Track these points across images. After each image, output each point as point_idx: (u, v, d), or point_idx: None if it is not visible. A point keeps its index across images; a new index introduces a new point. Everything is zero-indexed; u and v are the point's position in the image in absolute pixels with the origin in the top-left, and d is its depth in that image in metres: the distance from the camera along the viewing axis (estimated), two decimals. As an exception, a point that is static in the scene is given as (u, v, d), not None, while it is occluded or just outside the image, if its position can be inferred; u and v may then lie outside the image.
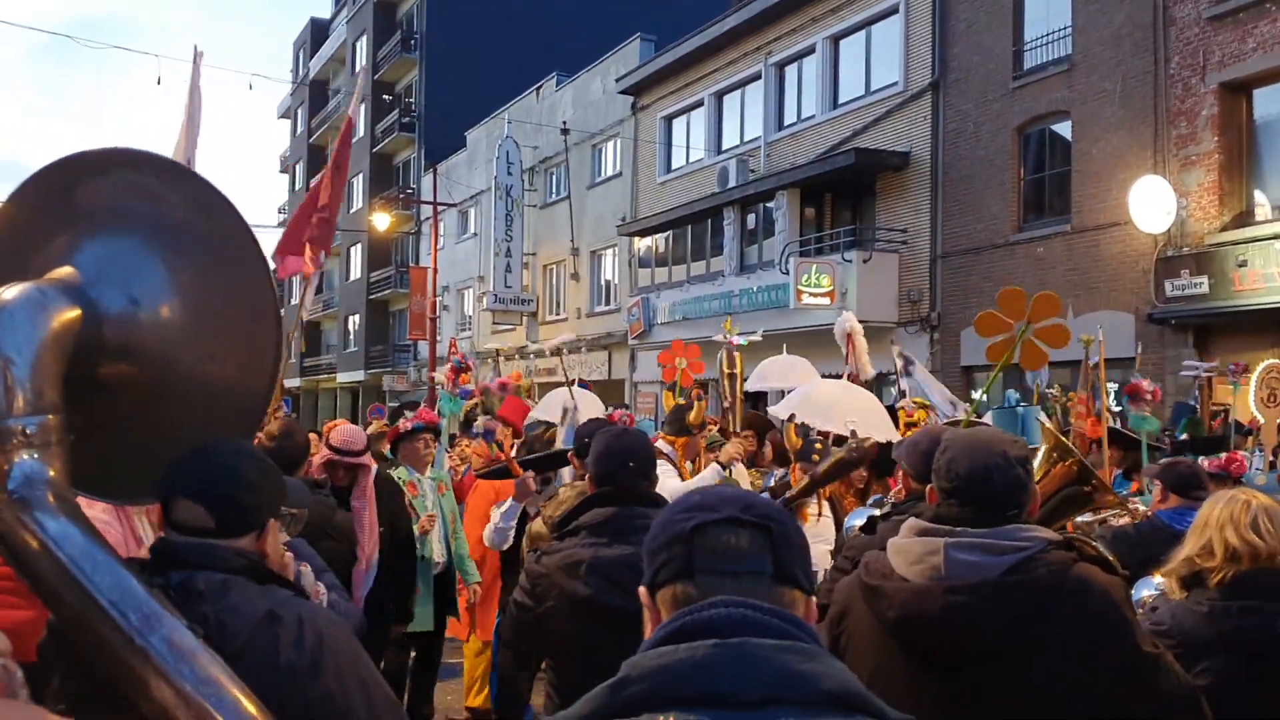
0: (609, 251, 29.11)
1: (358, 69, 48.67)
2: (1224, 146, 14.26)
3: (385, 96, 45.27)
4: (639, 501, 3.13)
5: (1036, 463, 3.22)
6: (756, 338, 9.60)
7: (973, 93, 18.17)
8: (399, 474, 6.29)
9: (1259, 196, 14.23)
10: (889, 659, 2.39)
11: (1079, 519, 5.06)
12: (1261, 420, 8.91)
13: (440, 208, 32.61)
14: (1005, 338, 5.40)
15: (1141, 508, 5.81)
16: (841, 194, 20.86)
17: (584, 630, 2.94)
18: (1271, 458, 8.01)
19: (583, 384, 10.55)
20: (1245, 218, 14.16)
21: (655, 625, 1.26)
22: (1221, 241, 14.08)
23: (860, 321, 19.06)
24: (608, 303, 28.98)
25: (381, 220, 34.75)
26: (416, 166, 42.54)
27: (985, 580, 2.26)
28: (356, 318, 48.14)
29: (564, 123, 29.84)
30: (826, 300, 18.69)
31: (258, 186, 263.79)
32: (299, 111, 57.84)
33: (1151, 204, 14.52)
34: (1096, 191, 15.82)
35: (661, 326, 24.08)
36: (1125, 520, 5.51)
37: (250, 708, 1.72)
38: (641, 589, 1.29)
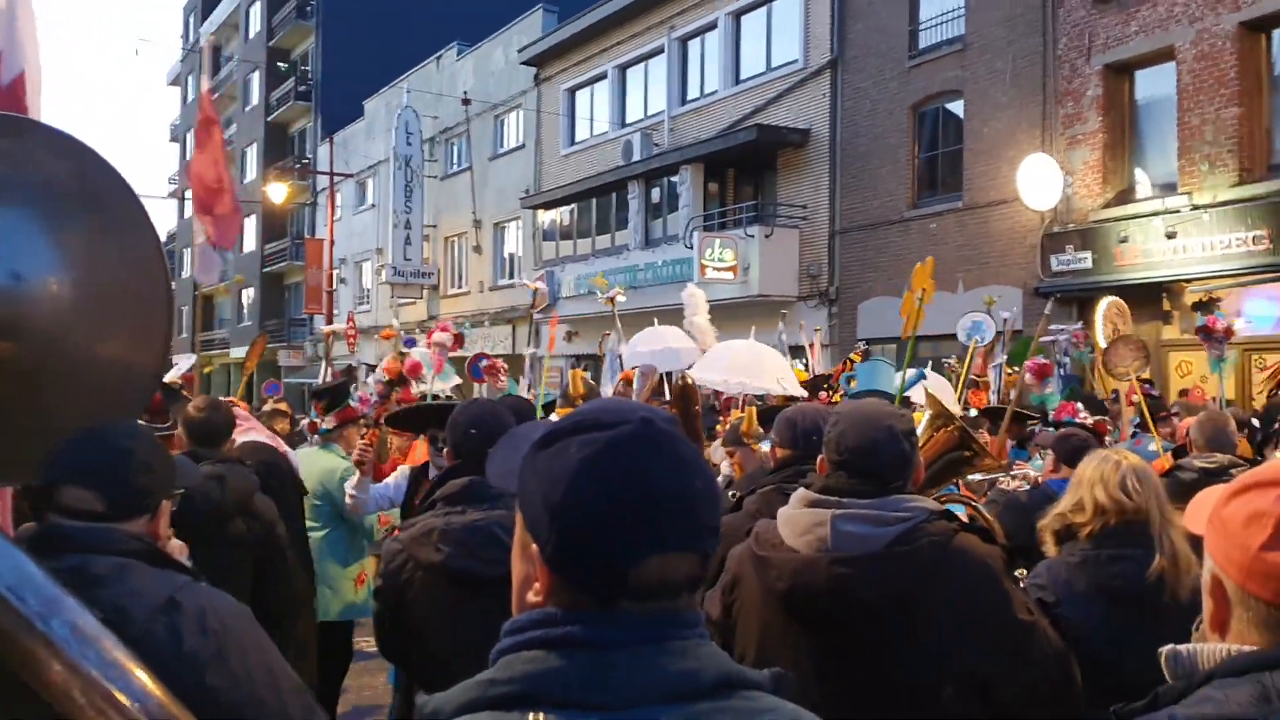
0: (512, 224, 28.89)
1: (251, 35, 47.29)
2: (1108, 126, 14.75)
3: (280, 64, 44.03)
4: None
5: (920, 429, 3.31)
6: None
7: (870, 71, 18.46)
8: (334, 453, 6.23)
9: (1140, 175, 14.77)
10: (778, 628, 2.45)
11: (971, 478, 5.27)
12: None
13: (337, 178, 31.96)
14: (916, 310, 5.58)
15: (1032, 473, 6.06)
16: (744, 169, 21.04)
17: (440, 598, 2.91)
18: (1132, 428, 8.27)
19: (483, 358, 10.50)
20: (1127, 195, 14.68)
21: (540, 590, 1.22)
22: (1104, 218, 14.59)
23: (761, 296, 19.41)
24: (511, 276, 28.79)
25: (277, 191, 33.90)
26: (313, 136, 41.56)
27: (869, 551, 2.33)
28: (251, 291, 46.99)
29: (465, 93, 29.45)
30: (730, 275, 18.92)
31: (147, 156, 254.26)
32: (189, 79, 56.01)
33: (1039, 182, 14.97)
34: (987, 169, 16.25)
35: (566, 300, 24.05)
36: (1017, 485, 5.74)
37: (157, 692, 1.69)
38: (534, 547, 1.22)
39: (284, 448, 5.63)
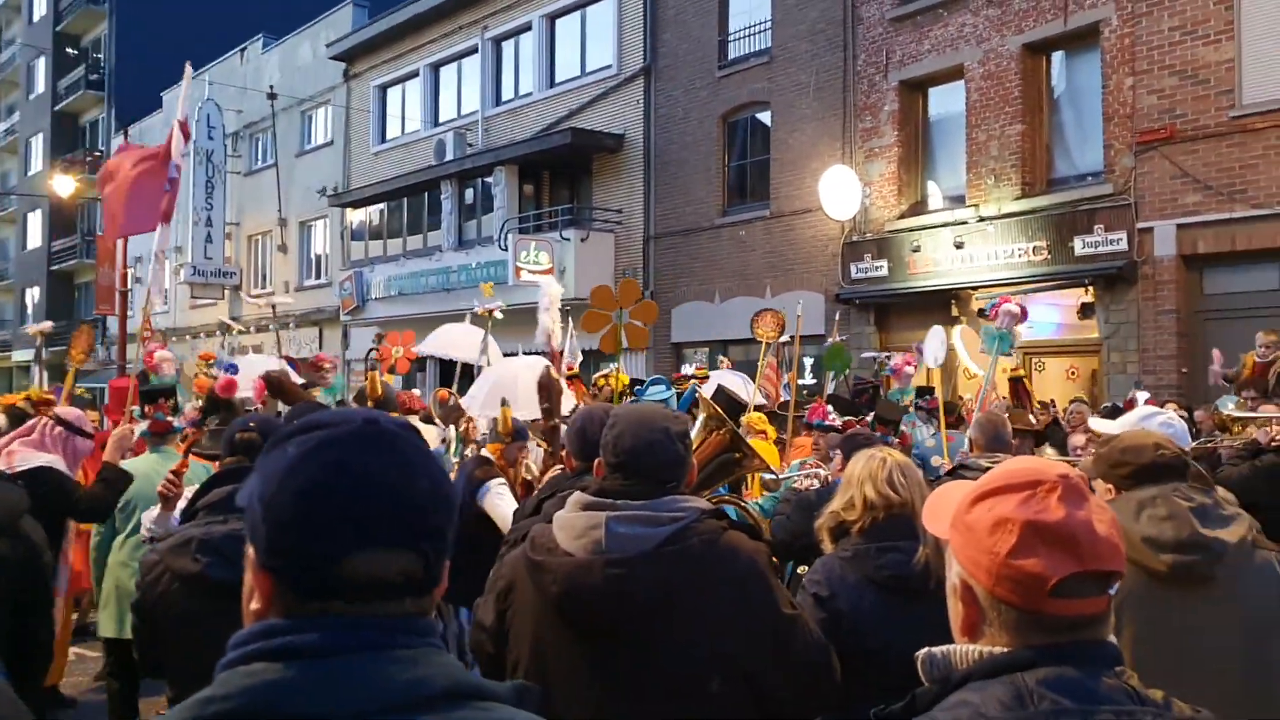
0: (319, 223, 28.07)
1: (36, 18, 44.37)
2: (903, 140, 15.48)
3: (69, 50, 41.55)
4: None
5: (695, 432, 3.38)
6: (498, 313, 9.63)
7: (682, 79, 18.81)
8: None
9: (932, 187, 15.56)
10: (552, 632, 2.44)
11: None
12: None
13: (133, 172, 30.27)
14: (610, 328, 5.79)
15: (823, 472, 6.28)
16: (559, 172, 21.08)
17: (198, 611, 2.81)
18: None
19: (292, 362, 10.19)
20: (919, 207, 15.45)
21: (260, 598, 1.19)
22: (899, 228, 15.31)
23: (577, 299, 19.43)
24: (318, 276, 27.97)
25: (64, 185, 31.84)
26: (106, 127, 39.41)
27: (642, 551, 2.35)
28: (36, 290, 44.18)
29: (271, 87, 28.42)
30: (546, 278, 18.88)
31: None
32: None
33: (840, 192, 15.56)
34: (793, 179, 16.79)
35: (376, 302, 23.53)
36: (809, 484, 5.94)
37: None
38: (251, 552, 1.20)
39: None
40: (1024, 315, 6.99)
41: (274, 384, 5.91)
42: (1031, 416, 8.21)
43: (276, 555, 1.16)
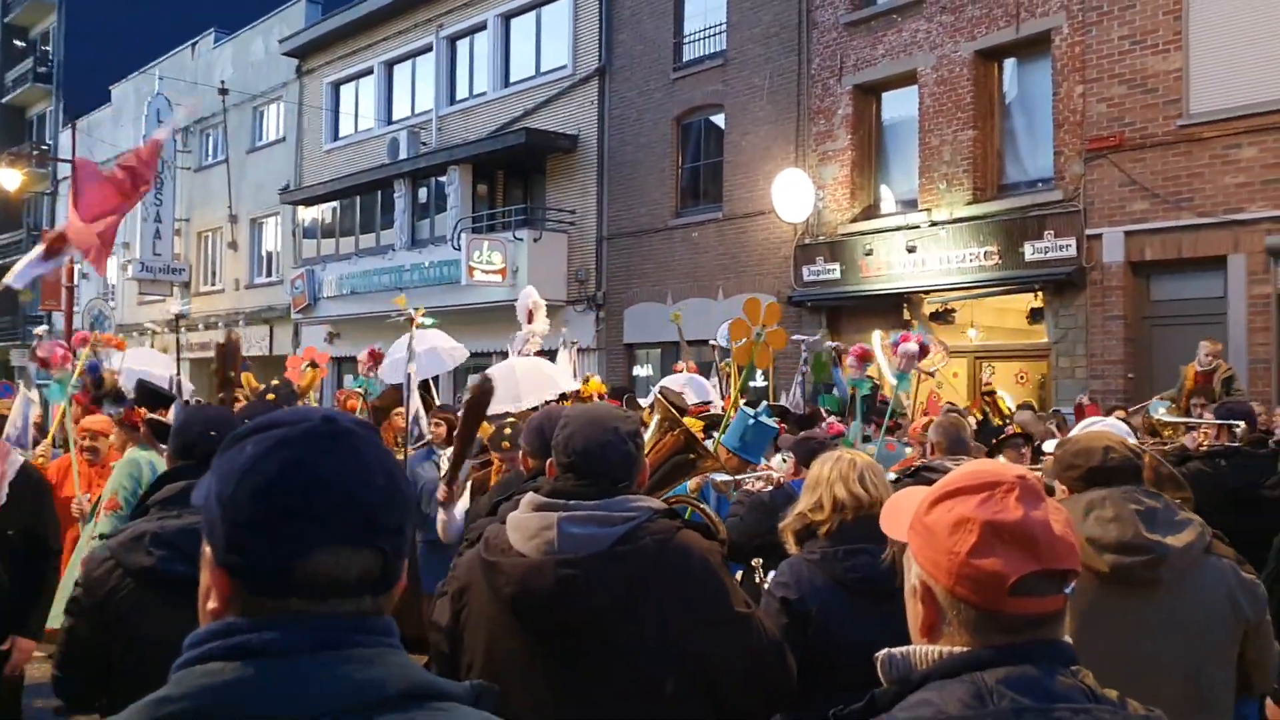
0: (271, 220, 27.72)
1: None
2: (856, 144, 15.54)
3: (17, 42, 40.94)
4: None
5: (650, 433, 3.37)
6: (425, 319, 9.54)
7: (636, 81, 18.77)
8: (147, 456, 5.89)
9: (884, 191, 15.64)
10: (506, 634, 2.43)
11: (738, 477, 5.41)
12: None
13: (80, 167, 29.76)
14: (746, 341, 6.15)
15: (775, 474, 6.24)
16: (513, 172, 20.97)
17: (151, 609, 2.75)
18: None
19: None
20: (872, 210, 15.51)
21: (217, 597, 1.19)
22: (851, 232, 15.36)
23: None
24: (269, 274, 27.63)
25: (10, 178, 31.25)
26: (53, 121, 38.82)
27: (595, 552, 2.35)
28: (-21, 286, 43.19)
29: (222, 82, 28.05)
30: (498, 278, 18.81)
31: None
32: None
33: (792, 195, 15.62)
34: (745, 181, 16.81)
35: (328, 300, 23.28)
36: (761, 486, 5.91)
37: None
38: (208, 550, 1.20)
39: None
40: (923, 353, 7.08)
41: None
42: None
43: (235, 553, 1.16)
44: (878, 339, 8.88)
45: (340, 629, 1.15)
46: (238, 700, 1.08)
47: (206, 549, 1.20)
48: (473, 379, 5.47)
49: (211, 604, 1.19)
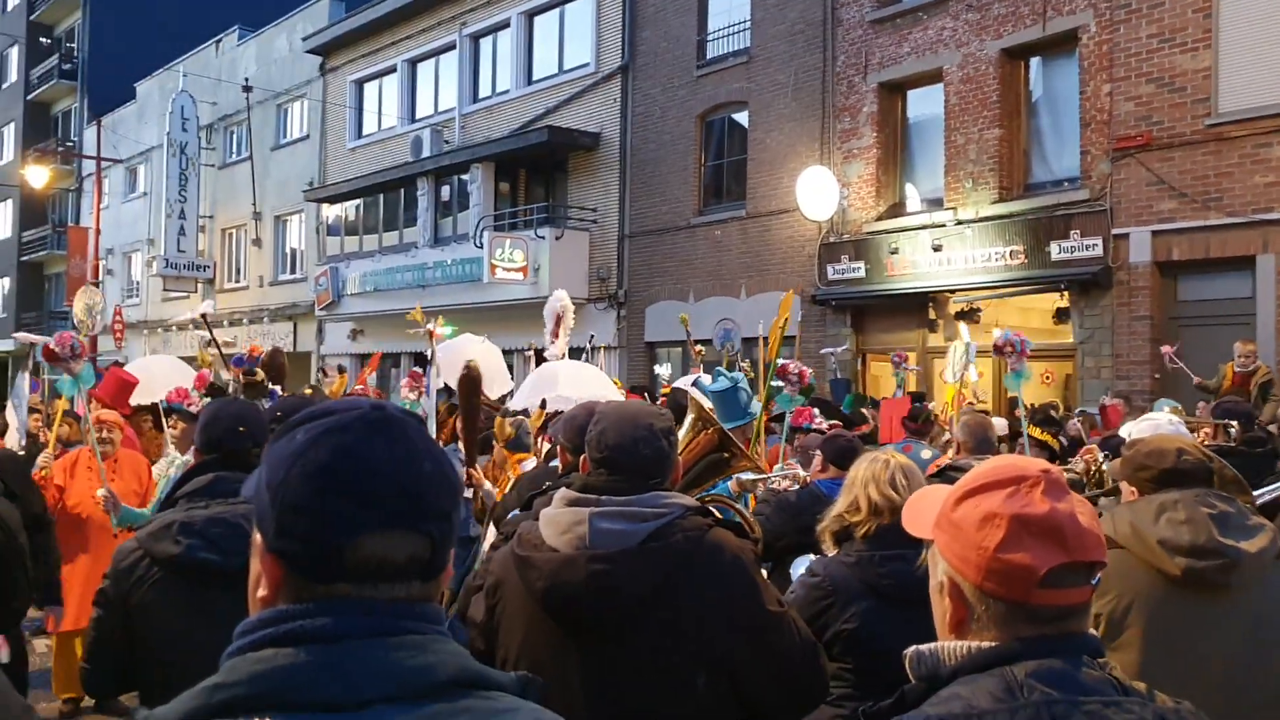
0: (295, 217, 27.87)
1: (10, 6, 43.98)
2: (881, 142, 15.48)
3: (43, 39, 41.19)
4: (242, 467, 3.02)
5: (683, 432, 3.38)
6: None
7: (660, 78, 18.74)
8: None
9: (910, 190, 15.57)
10: (539, 629, 2.44)
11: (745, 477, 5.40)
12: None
13: (105, 164, 30.04)
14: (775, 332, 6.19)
15: (801, 473, 6.22)
16: (535, 170, 21.00)
17: (178, 597, 2.79)
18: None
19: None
20: (897, 209, 15.45)
21: (268, 584, 1.20)
22: (876, 230, 15.30)
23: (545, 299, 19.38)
24: (293, 271, 27.77)
25: (36, 175, 31.55)
26: (79, 117, 39.07)
27: (626, 548, 2.35)
28: (6, 281, 43.79)
29: (246, 80, 28.21)
30: (519, 275, 18.84)
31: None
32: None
33: (817, 193, 15.55)
34: (769, 179, 16.76)
35: (351, 298, 23.38)
36: (787, 485, 5.89)
37: None
38: (259, 538, 1.21)
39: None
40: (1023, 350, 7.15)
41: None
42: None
43: (285, 539, 1.17)
44: (965, 331, 8.81)
45: (392, 614, 1.17)
46: (290, 686, 1.09)
47: (257, 536, 1.21)
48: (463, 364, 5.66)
49: (262, 591, 1.20)
